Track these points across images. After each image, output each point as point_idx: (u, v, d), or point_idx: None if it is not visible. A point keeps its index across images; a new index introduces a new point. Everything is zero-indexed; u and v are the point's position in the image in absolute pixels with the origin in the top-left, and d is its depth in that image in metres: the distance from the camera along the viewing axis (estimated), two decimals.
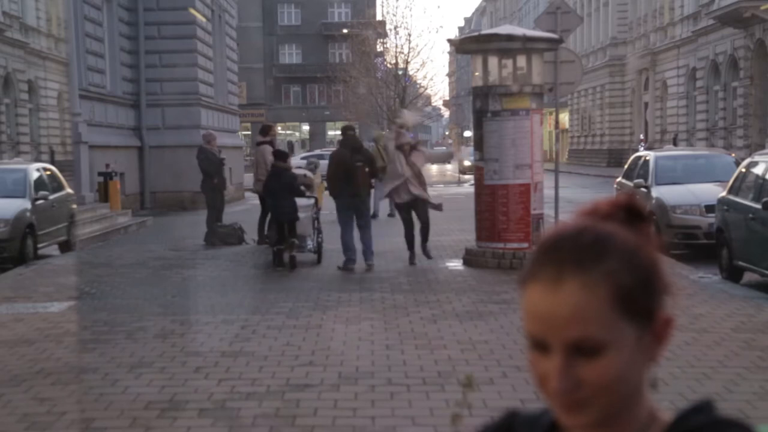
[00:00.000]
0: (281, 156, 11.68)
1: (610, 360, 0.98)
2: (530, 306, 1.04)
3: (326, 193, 13.15)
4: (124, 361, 6.36)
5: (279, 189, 11.06)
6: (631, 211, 1.06)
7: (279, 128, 59.57)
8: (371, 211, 16.99)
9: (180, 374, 5.99)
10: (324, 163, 13.85)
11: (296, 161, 14.16)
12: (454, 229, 14.94)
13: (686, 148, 24.37)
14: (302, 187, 11.76)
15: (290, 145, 48.64)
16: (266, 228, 12.60)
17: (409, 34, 39.92)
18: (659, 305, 1.03)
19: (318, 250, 11.64)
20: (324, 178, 13.53)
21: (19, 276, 10.93)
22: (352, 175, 10.79)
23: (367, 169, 11.03)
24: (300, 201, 11.39)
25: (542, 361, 1.01)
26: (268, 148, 13.22)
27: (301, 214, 11.30)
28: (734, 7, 26.08)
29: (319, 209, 12.32)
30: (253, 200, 22.57)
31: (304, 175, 13.06)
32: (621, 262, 1.01)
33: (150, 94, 22.80)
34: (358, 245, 10.95)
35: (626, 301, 1.00)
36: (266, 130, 14.05)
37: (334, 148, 39.47)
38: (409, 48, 39.69)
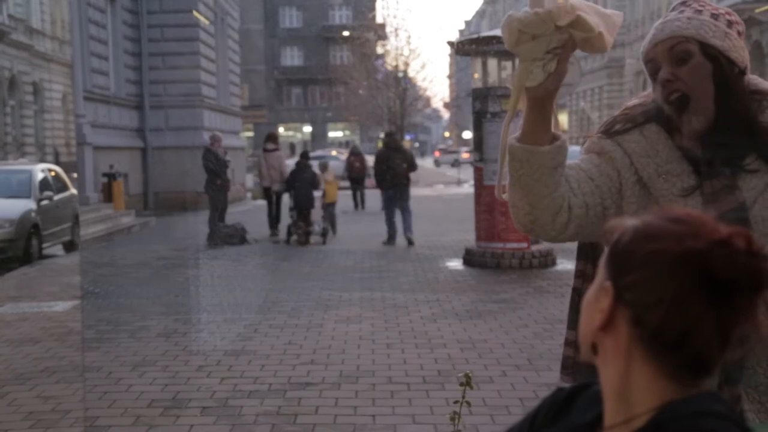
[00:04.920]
0: (305, 155, 14.71)
1: None
2: None
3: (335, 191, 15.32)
4: (127, 360, 6.41)
5: (302, 181, 13.74)
6: None
7: (281, 130, 59.70)
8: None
9: (183, 373, 6.03)
10: (331, 164, 16.62)
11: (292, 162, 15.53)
12: (453, 229, 15.00)
13: None
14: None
15: (292, 146, 48.73)
16: (272, 221, 14.94)
17: (409, 37, 40.01)
18: None
19: (324, 234, 13.96)
20: (336, 177, 16.07)
21: (23, 275, 11.00)
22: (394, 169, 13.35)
23: (405, 165, 13.50)
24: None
25: None
26: (281, 154, 15.30)
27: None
28: (732, 9, 26.25)
29: (332, 203, 14.74)
30: (259, 202, 22.71)
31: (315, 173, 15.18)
32: None
33: (153, 95, 22.89)
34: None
35: None
36: (275, 139, 15.63)
37: (335, 150, 39.75)
38: (409, 50, 39.77)
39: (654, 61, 1.86)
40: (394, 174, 13.37)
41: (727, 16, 1.89)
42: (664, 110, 1.86)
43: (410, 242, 13.12)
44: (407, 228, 13.28)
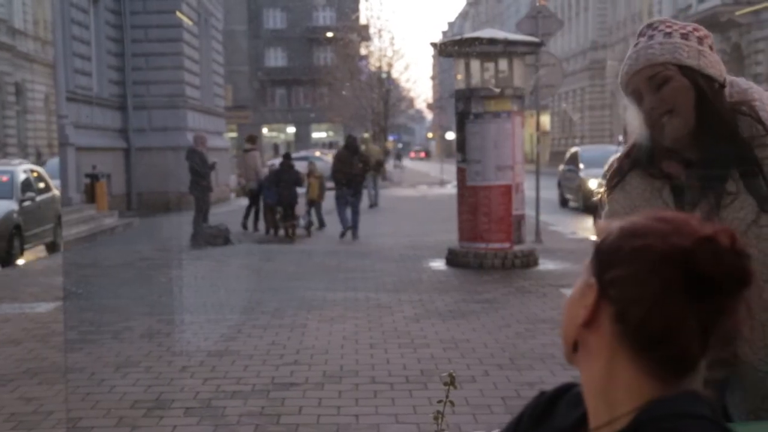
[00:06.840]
0: (287, 156, 15.71)
1: None
2: None
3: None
4: (110, 361, 6.40)
5: (286, 180, 14.82)
6: None
7: (265, 130, 59.59)
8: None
9: (166, 373, 6.04)
10: (319, 164, 18.13)
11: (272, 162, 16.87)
12: (436, 230, 15.03)
13: None
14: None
15: (276, 147, 48.63)
16: (250, 217, 16.19)
17: (393, 38, 40.10)
18: None
19: (308, 227, 15.44)
20: (324, 176, 17.17)
21: (5, 277, 10.95)
22: (350, 169, 14.95)
23: (360, 165, 15.22)
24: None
25: None
26: (257, 154, 16.48)
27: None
28: (711, 12, 26.41)
29: (317, 202, 16.07)
30: (243, 201, 22.71)
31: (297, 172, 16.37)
32: None
33: (136, 96, 22.82)
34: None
35: None
36: (254, 139, 16.79)
37: (318, 151, 40.10)
38: (393, 51, 39.86)
39: (637, 92, 1.89)
40: (351, 174, 14.94)
41: (696, 33, 1.89)
42: (648, 140, 1.89)
43: (354, 236, 14.55)
44: (355, 226, 14.68)
